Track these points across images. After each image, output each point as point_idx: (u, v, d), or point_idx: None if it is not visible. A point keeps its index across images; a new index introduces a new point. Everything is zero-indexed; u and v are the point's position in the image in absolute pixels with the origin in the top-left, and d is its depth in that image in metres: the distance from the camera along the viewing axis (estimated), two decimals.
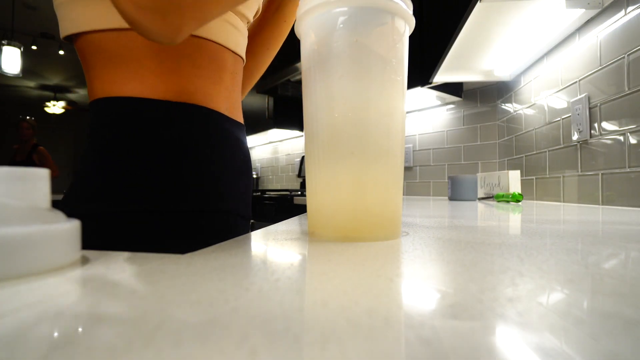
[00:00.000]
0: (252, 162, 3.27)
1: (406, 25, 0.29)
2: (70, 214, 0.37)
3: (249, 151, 0.57)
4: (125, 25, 0.39)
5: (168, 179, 0.43)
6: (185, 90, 0.45)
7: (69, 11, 0.42)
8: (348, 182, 0.27)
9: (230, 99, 0.52)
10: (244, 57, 0.54)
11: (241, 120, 0.56)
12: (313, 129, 0.29)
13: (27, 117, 3.05)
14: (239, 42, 0.51)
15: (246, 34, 0.53)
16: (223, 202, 0.48)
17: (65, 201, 0.43)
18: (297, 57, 1.95)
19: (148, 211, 0.41)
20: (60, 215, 0.19)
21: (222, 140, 0.49)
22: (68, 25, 0.42)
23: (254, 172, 3.11)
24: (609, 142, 0.81)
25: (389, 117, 0.28)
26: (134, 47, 0.42)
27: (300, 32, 0.31)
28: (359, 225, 0.27)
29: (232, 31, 0.49)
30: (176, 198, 0.43)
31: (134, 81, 0.42)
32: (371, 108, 0.27)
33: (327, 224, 0.28)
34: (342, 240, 0.27)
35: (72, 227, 0.18)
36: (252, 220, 1.74)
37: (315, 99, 0.29)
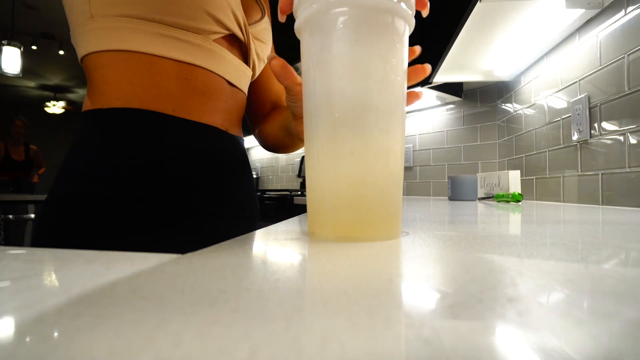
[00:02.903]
0: (252, 162, 3.27)
1: (406, 25, 0.29)
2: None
3: (245, 151, 0.61)
4: (117, 47, 0.46)
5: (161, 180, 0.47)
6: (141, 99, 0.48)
7: (82, 39, 0.48)
8: (348, 181, 0.27)
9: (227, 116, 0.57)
10: (209, 68, 0.53)
11: (239, 134, 0.61)
12: (313, 129, 0.29)
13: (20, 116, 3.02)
14: (192, 53, 0.51)
15: (214, 49, 0.53)
16: (214, 203, 0.52)
17: (59, 182, 0.47)
18: (297, 57, 1.95)
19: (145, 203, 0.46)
20: None
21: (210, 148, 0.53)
22: (80, 50, 0.49)
23: (254, 172, 3.11)
24: (609, 142, 0.81)
25: (389, 117, 0.28)
26: (122, 68, 0.47)
27: (300, 32, 0.31)
28: (359, 225, 0.27)
29: (178, 45, 0.50)
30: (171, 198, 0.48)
31: (122, 95, 0.47)
32: (371, 108, 0.27)
33: (326, 224, 0.28)
34: (342, 240, 0.27)
35: None
36: None
37: (315, 99, 0.29)
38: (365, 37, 0.27)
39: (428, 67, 0.35)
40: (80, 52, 0.49)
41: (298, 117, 0.47)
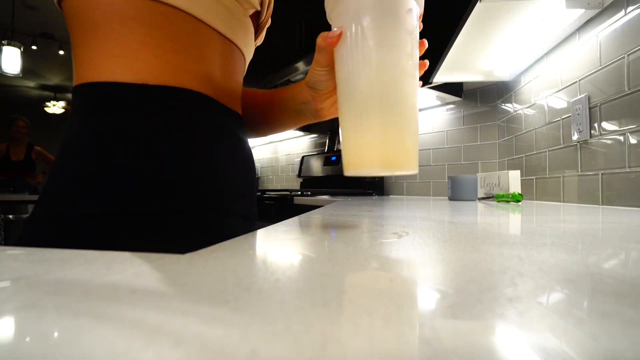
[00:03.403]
0: None
1: (417, 7, 0.36)
2: (53, 214, 0.35)
3: (250, 148, 0.53)
4: None
5: (155, 178, 0.38)
6: (162, 69, 0.38)
7: None
8: (379, 128, 0.33)
9: (223, 86, 0.45)
10: (242, 49, 0.48)
11: (239, 110, 0.51)
12: (350, 89, 0.35)
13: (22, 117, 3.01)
14: (232, 27, 0.44)
15: (249, 26, 0.48)
16: (221, 202, 0.44)
17: (46, 200, 0.38)
18: (297, 57, 1.95)
19: (137, 212, 0.37)
20: None
21: (214, 131, 0.43)
22: None
23: None
24: (609, 142, 0.81)
25: (412, 80, 0.35)
26: (107, 15, 0.36)
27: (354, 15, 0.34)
28: (390, 157, 0.34)
29: (222, 12, 0.42)
30: (166, 198, 0.39)
31: (110, 61, 0.37)
32: (401, 73, 0.34)
33: (365, 159, 0.34)
34: (381, 169, 0.34)
35: None
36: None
37: (355, 63, 0.34)
38: (397, 16, 0.34)
39: (427, 63, 0.43)
40: None
41: (322, 92, 0.46)
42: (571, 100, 0.95)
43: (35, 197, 1.83)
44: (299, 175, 2.48)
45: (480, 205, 0.91)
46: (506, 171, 1.13)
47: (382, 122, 0.33)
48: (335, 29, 0.35)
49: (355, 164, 0.35)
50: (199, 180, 0.41)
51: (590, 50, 0.87)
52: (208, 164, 0.42)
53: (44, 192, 0.38)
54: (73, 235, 0.35)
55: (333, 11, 0.36)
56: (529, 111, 1.23)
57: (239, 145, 0.49)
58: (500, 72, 1.35)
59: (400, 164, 0.34)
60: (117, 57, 0.37)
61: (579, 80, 0.92)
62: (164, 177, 0.38)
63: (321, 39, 0.36)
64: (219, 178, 0.44)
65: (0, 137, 3.05)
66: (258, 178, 3.14)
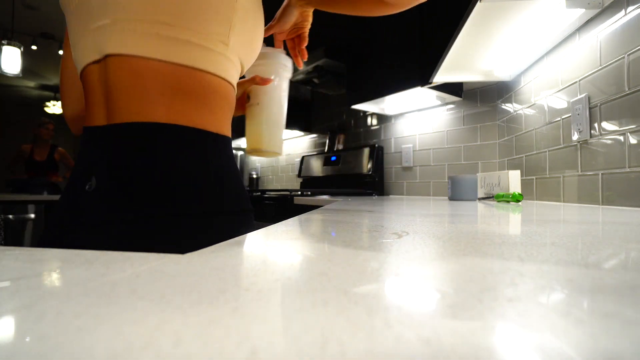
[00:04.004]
0: (253, 162, 3.28)
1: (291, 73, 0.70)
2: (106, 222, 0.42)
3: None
4: (150, 54, 0.43)
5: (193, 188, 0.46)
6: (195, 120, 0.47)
7: (114, 33, 0.43)
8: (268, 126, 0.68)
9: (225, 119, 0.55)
10: (233, 84, 0.54)
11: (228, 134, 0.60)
12: (266, 107, 0.68)
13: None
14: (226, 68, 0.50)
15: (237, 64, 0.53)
16: (240, 203, 0.53)
17: (130, 204, 0.43)
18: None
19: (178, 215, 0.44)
20: None
21: (227, 159, 0.53)
22: (111, 45, 0.43)
23: (254, 172, 3.12)
24: (609, 142, 0.81)
25: (285, 103, 0.73)
26: (151, 75, 0.43)
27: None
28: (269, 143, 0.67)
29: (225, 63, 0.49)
30: (207, 202, 0.47)
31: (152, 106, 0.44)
32: (284, 100, 0.72)
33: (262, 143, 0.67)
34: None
35: None
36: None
37: (272, 94, 0.69)
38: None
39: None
40: (107, 50, 0.43)
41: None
42: (571, 100, 0.95)
43: (34, 197, 1.83)
44: (299, 175, 2.48)
45: (480, 205, 0.91)
46: (506, 171, 1.13)
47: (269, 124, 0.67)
48: (270, 77, 0.66)
49: (253, 146, 0.67)
50: (237, 187, 0.53)
51: (590, 50, 0.87)
52: (234, 171, 0.54)
53: (127, 197, 0.42)
54: (163, 233, 0.42)
55: (259, 65, 0.65)
56: (529, 111, 1.23)
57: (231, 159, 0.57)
58: (500, 72, 1.35)
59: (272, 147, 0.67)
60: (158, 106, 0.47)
61: (579, 80, 0.92)
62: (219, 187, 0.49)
63: (259, 79, 0.65)
64: (235, 184, 0.53)
65: (23, 138, 3.08)
66: (258, 178, 3.14)
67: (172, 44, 0.42)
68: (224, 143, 0.51)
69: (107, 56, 0.43)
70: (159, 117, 0.43)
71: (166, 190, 0.43)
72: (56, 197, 1.90)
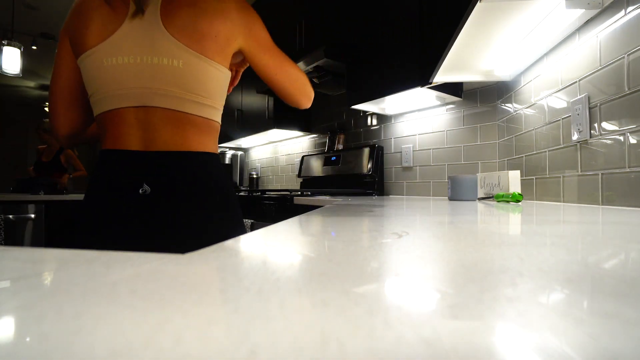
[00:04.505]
0: (253, 161, 3.30)
1: None
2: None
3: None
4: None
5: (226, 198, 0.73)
6: (213, 147, 0.75)
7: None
8: None
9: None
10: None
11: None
12: None
13: None
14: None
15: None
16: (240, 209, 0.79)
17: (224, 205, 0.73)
18: (297, 57, 1.95)
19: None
20: None
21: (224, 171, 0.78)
22: (154, 101, 0.65)
23: (254, 172, 3.13)
24: (609, 142, 0.81)
25: None
26: (178, 120, 0.67)
27: None
28: None
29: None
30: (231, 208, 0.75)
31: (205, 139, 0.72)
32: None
33: None
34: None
35: None
36: (251, 221, 1.74)
37: None
38: None
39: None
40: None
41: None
42: (571, 100, 0.95)
43: (34, 197, 1.83)
44: (299, 175, 2.48)
45: (480, 205, 0.91)
46: (506, 171, 1.13)
47: None
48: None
49: None
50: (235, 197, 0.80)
51: (590, 50, 0.87)
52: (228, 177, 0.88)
53: (170, 198, 0.66)
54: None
55: None
56: (529, 111, 1.23)
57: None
58: (500, 72, 1.35)
59: None
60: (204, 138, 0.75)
61: (579, 80, 0.92)
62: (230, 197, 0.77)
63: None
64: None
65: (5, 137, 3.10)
66: (258, 178, 3.15)
67: (190, 103, 0.66)
68: (217, 158, 0.75)
69: (147, 106, 0.64)
70: (184, 147, 0.67)
71: (193, 191, 0.67)
72: (56, 197, 1.90)
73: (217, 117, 0.73)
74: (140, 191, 0.63)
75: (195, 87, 0.65)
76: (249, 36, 0.71)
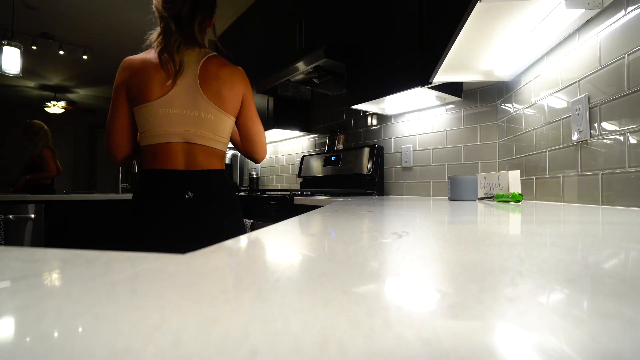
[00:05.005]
0: (253, 162, 3.30)
1: None
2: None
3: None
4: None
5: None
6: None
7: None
8: None
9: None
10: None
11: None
12: None
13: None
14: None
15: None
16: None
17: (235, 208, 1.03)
18: (297, 57, 1.95)
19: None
20: None
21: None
22: (194, 139, 0.95)
23: (254, 172, 3.13)
24: (609, 142, 0.81)
25: None
26: (208, 151, 0.99)
27: None
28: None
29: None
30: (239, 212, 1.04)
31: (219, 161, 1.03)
32: None
33: None
34: None
35: None
36: (251, 221, 1.74)
37: None
38: None
39: None
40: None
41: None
42: (571, 100, 0.95)
43: (34, 197, 1.83)
44: (299, 175, 2.48)
45: (480, 205, 0.91)
46: (506, 171, 1.13)
47: None
48: None
49: None
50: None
51: (590, 50, 0.87)
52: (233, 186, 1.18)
53: (209, 203, 0.97)
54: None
55: None
56: (529, 111, 1.23)
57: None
58: (500, 72, 1.35)
59: None
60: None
61: (579, 80, 0.92)
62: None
63: None
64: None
65: (4, 137, 3.10)
66: (258, 178, 3.15)
67: (215, 142, 0.97)
68: (228, 172, 1.01)
69: (189, 142, 0.94)
70: (211, 167, 0.97)
71: (219, 195, 0.98)
72: (56, 197, 1.90)
73: (226, 148, 1.08)
74: (187, 196, 0.92)
75: (218, 131, 0.98)
76: (247, 95, 1.05)
